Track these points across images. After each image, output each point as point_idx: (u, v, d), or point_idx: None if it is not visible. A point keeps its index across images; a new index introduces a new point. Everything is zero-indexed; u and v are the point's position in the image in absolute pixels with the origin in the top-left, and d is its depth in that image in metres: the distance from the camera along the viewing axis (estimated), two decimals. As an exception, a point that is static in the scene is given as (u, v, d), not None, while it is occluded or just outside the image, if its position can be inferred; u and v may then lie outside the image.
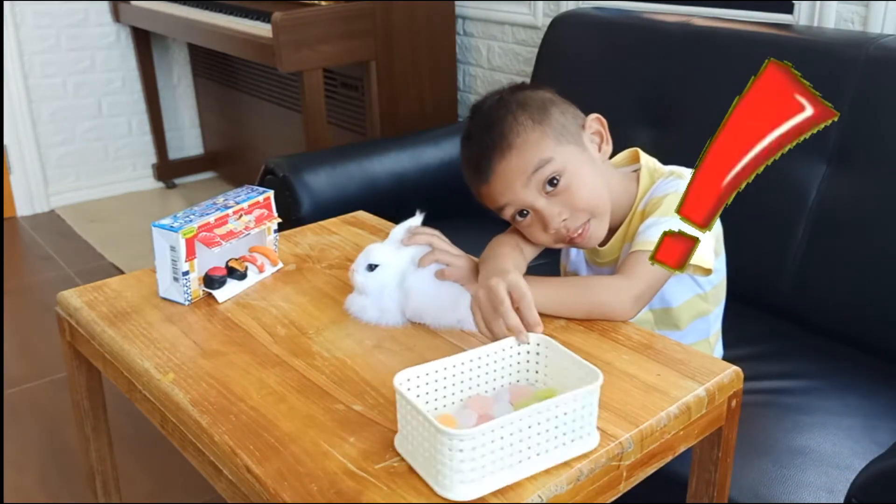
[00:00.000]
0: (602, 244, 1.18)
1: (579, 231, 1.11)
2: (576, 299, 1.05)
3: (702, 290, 1.21)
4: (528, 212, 1.11)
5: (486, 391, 0.89)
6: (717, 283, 1.24)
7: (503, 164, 1.09)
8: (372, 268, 1.05)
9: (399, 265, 1.06)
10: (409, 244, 1.08)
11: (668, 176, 1.16)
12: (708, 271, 1.09)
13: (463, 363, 0.86)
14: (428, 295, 1.04)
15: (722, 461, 0.98)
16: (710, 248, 1.11)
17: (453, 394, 0.87)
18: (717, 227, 1.19)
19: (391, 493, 0.75)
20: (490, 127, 1.11)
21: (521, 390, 0.88)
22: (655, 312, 1.23)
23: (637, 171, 1.20)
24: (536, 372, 0.91)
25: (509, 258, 1.10)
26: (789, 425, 1.20)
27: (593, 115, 1.14)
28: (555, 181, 1.08)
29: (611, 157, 1.20)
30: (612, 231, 1.17)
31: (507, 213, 1.13)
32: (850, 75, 1.45)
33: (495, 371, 0.89)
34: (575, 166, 1.09)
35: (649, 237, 1.05)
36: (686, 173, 1.14)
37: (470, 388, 0.88)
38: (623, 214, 1.16)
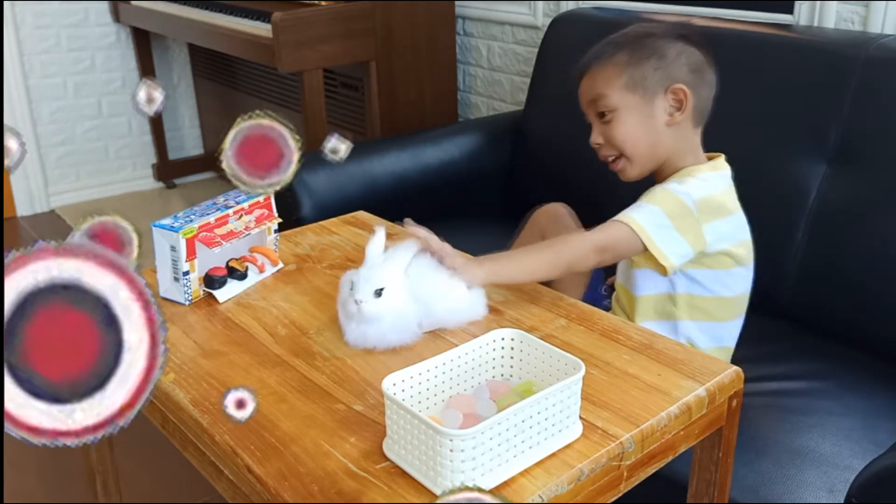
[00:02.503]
0: None
1: (611, 160, 1.27)
2: (549, 261, 1.14)
3: (672, 291, 1.23)
4: None
5: (465, 389, 0.89)
6: (701, 294, 1.24)
7: (586, 77, 1.27)
8: (379, 293, 0.98)
9: (398, 281, 1.00)
10: (411, 233, 1.07)
11: (681, 174, 1.24)
12: (664, 269, 1.15)
13: (444, 363, 0.87)
14: (446, 300, 1.04)
15: (722, 461, 0.98)
16: (682, 253, 1.16)
17: (435, 395, 0.87)
18: (727, 243, 1.22)
19: (392, 493, 0.75)
20: (606, 42, 1.27)
21: (500, 386, 0.89)
22: (625, 291, 1.30)
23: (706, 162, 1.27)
24: (511, 367, 0.91)
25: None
26: (789, 426, 1.20)
27: (680, 86, 1.21)
28: (603, 114, 1.24)
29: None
30: None
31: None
32: (850, 75, 1.45)
33: (472, 369, 0.90)
34: (626, 111, 1.22)
35: (626, 212, 1.17)
36: (698, 175, 1.23)
37: (450, 387, 0.88)
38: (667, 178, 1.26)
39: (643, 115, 1.22)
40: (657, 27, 1.28)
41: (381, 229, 1.04)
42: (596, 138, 1.26)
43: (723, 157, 1.28)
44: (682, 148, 1.25)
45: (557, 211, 1.53)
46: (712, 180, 1.23)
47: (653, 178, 1.27)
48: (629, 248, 1.16)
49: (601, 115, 1.24)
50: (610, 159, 1.26)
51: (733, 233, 1.23)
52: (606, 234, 1.15)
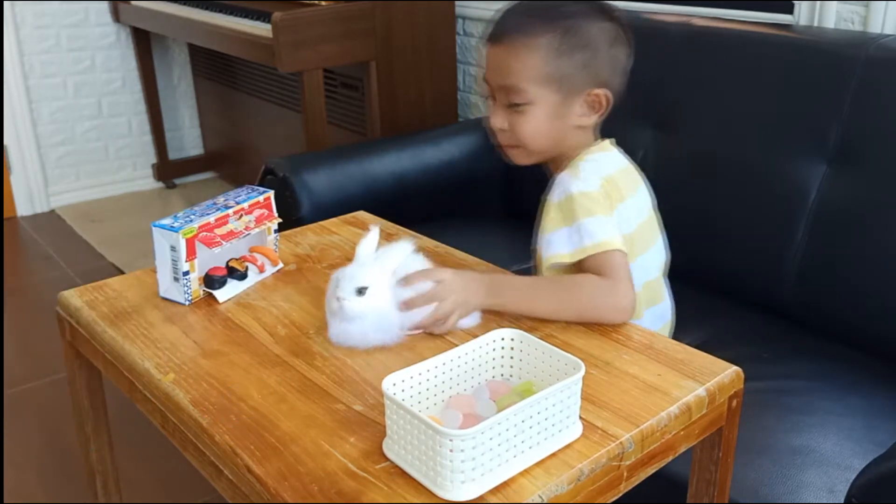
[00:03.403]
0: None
1: (507, 146, 1.17)
2: (563, 314, 1.06)
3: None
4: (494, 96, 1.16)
5: (464, 389, 0.89)
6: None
7: (499, 50, 1.12)
8: (362, 291, 0.97)
9: (384, 280, 0.99)
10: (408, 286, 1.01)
11: (570, 167, 1.14)
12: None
13: (444, 363, 0.87)
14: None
15: (722, 461, 0.98)
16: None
17: (435, 395, 0.87)
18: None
19: (392, 493, 0.75)
20: (528, 12, 1.11)
21: (499, 386, 0.89)
22: None
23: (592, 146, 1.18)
24: (511, 367, 0.91)
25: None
26: (790, 425, 1.20)
27: (604, 92, 1.12)
28: (515, 104, 1.12)
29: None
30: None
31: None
32: (850, 75, 1.45)
33: (472, 369, 0.90)
34: (539, 108, 1.11)
35: (588, 238, 1.06)
36: (587, 158, 1.14)
37: (450, 387, 0.88)
38: (562, 165, 1.17)
39: (556, 115, 1.12)
40: (581, 5, 1.12)
41: (375, 229, 1.04)
42: (499, 123, 1.14)
43: (609, 141, 1.20)
44: (583, 141, 1.17)
45: None
46: (601, 160, 1.15)
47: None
48: (626, 263, 1.07)
49: (512, 104, 1.12)
50: (507, 145, 1.16)
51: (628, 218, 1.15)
52: (615, 269, 1.04)
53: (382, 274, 0.99)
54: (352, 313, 0.97)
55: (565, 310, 1.05)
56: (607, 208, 1.09)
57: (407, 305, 1.00)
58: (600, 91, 1.12)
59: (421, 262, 1.06)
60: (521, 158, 1.18)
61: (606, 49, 1.11)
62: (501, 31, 1.12)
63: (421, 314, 1.00)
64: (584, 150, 1.16)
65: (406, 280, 1.00)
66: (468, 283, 1.04)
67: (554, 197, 1.11)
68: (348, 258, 1.24)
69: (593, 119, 1.14)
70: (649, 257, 1.20)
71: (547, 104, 1.11)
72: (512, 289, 1.07)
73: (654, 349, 0.99)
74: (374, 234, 1.03)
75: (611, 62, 1.12)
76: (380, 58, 2.41)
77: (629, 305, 1.04)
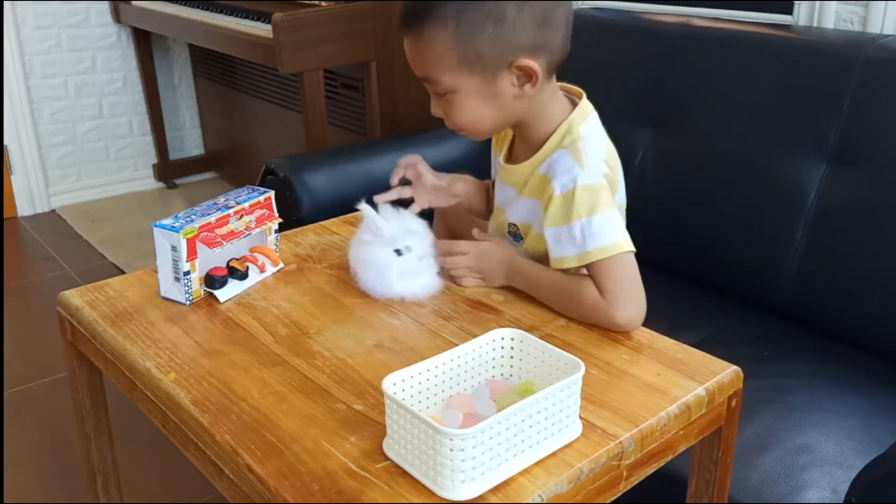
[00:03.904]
0: (512, 161, 1.18)
1: (455, 129, 1.12)
2: (560, 307, 1.09)
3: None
4: None
5: (464, 389, 0.89)
6: None
7: (408, 40, 1.07)
8: (400, 252, 1.09)
9: (423, 238, 1.12)
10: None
11: (567, 146, 1.09)
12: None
13: (444, 363, 0.87)
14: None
15: (722, 461, 0.98)
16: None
17: (435, 394, 0.87)
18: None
19: (392, 493, 0.75)
20: None
21: (499, 385, 0.89)
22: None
23: (571, 106, 1.13)
24: (511, 366, 0.91)
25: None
26: (790, 424, 1.21)
27: (527, 63, 1.02)
28: (441, 94, 1.08)
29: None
30: (529, 149, 1.14)
31: None
32: (850, 75, 1.45)
33: (472, 369, 0.90)
34: (465, 94, 1.05)
35: (594, 242, 1.03)
36: (582, 135, 1.09)
37: (450, 387, 0.88)
38: (541, 140, 1.12)
39: (486, 95, 1.05)
40: None
41: (363, 204, 1.15)
42: (437, 112, 1.11)
43: (584, 95, 1.14)
44: (538, 107, 1.09)
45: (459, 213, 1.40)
46: (594, 129, 1.11)
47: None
48: (634, 266, 1.05)
49: (438, 93, 1.08)
50: (453, 129, 1.12)
51: (622, 192, 1.15)
52: (615, 283, 1.02)
53: (408, 232, 1.11)
54: (418, 267, 1.11)
55: (565, 312, 1.08)
56: (610, 201, 1.05)
57: (445, 250, 1.13)
58: (526, 60, 1.02)
59: (395, 213, 1.16)
60: (477, 138, 1.14)
61: (516, 13, 1.00)
62: (403, 22, 1.06)
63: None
64: (562, 115, 1.11)
65: (451, 246, 1.15)
66: (490, 264, 1.15)
67: (557, 188, 1.06)
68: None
69: (533, 89, 1.05)
70: None
71: (471, 88, 1.04)
72: (521, 275, 1.13)
73: (654, 349, 0.99)
74: (382, 209, 1.15)
75: (527, 24, 1.01)
76: (380, 58, 2.41)
77: (632, 318, 1.02)
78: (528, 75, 1.04)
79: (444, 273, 1.15)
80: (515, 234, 1.21)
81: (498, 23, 1.00)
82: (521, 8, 1.00)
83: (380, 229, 1.11)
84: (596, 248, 1.03)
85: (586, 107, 1.13)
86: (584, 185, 1.04)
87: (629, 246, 1.04)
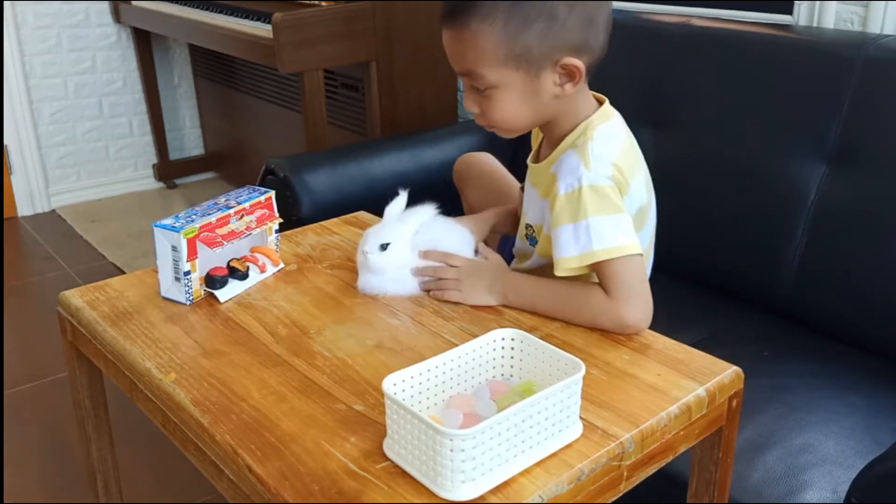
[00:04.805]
0: (539, 161, 1.18)
1: (486, 127, 1.12)
2: (566, 316, 1.06)
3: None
4: None
5: (465, 389, 0.89)
6: None
7: (452, 34, 1.05)
8: (384, 247, 1.10)
9: (406, 238, 1.12)
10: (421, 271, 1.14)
11: (578, 146, 1.09)
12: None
13: (444, 363, 0.87)
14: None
15: (722, 461, 0.98)
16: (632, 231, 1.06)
17: (436, 395, 0.87)
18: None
19: (392, 493, 0.75)
20: None
21: (500, 386, 0.89)
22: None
23: (594, 109, 1.14)
24: (511, 367, 0.91)
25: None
26: (791, 424, 1.20)
27: (572, 62, 1.04)
28: (481, 89, 1.07)
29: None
30: (551, 148, 1.15)
31: None
32: (850, 75, 1.45)
33: (473, 369, 0.90)
34: (505, 89, 1.05)
35: (596, 244, 1.03)
36: (595, 136, 1.08)
37: (451, 387, 0.88)
38: (562, 139, 1.13)
39: (527, 92, 1.06)
40: None
41: (403, 193, 1.14)
42: (471, 107, 1.10)
43: (606, 100, 1.15)
44: (571, 108, 1.11)
45: (481, 162, 1.44)
46: (613, 132, 1.11)
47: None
48: (641, 269, 1.05)
49: (478, 89, 1.07)
50: (485, 126, 1.12)
51: (639, 195, 1.13)
52: (623, 284, 1.02)
53: (405, 233, 1.12)
54: (374, 266, 1.11)
55: (569, 319, 1.06)
56: (619, 204, 1.05)
57: (419, 272, 1.13)
58: (571, 59, 1.03)
59: (443, 224, 1.17)
60: (508, 135, 1.13)
61: (567, 12, 1.01)
62: (448, 13, 1.04)
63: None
64: (585, 117, 1.11)
65: (427, 254, 1.14)
66: (476, 281, 1.12)
67: (562, 187, 1.06)
68: (349, 258, 1.25)
69: (573, 88, 1.07)
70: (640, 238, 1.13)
71: (513, 85, 1.05)
72: (517, 293, 1.10)
73: (654, 349, 0.99)
74: (402, 197, 1.13)
75: (576, 23, 1.02)
76: (380, 58, 2.41)
77: (639, 320, 1.01)
78: (570, 74, 1.05)
79: (426, 285, 1.13)
80: (531, 238, 1.21)
81: (550, 20, 1.01)
82: (572, 7, 1.01)
83: (386, 218, 1.14)
84: (602, 248, 1.02)
85: (608, 110, 1.14)
86: (590, 186, 1.04)
87: (637, 249, 1.03)
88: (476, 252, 1.19)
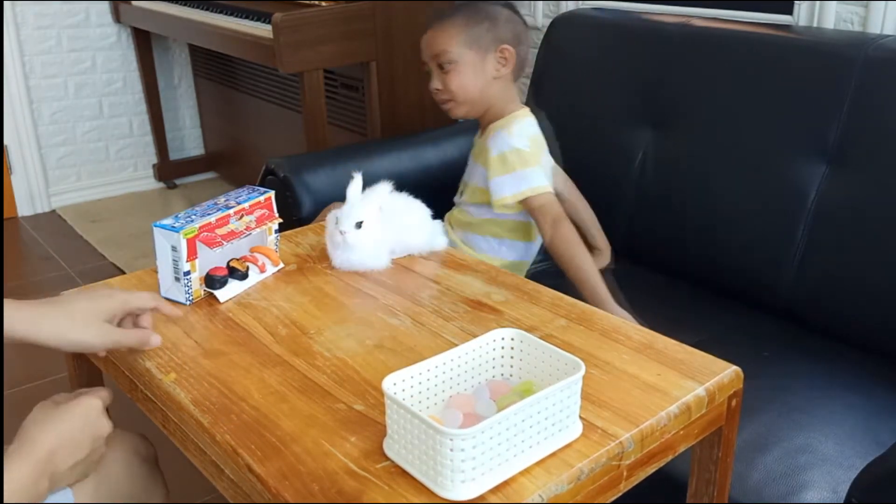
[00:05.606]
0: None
1: (445, 101, 1.59)
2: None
3: (499, 217, 1.59)
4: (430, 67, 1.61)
5: (465, 389, 0.89)
6: (515, 219, 1.60)
7: (430, 34, 1.60)
8: (359, 225, 1.17)
9: (374, 215, 1.20)
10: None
11: (503, 126, 1.56)
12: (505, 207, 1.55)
13: (444, 363, 0.87)
14: (412, 231, 1.26)
15: (722, 461, 0.98)
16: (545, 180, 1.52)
17: (435, 394, 0.87)
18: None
19: (392, 493, 0.75)
20: (450, 8, 1.60)
21: (500, 385, 0.89)
22: (464, 214, 1.65)
23: (518, 109, 1.61)
24: (511, 367, 0.92)
25: None
26: (791, 424, 1.21)
27: (507, 47, 1.55)
28: (443, 66, 1.56)
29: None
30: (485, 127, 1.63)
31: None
32: (850, 75, 1.45)
33: (472, 369, 0.90)
34: (463, 64, 1.55)
35: (525, 185, 1.50)
36: (518, 121, 1.57)
37: (451, 387, 0.88)
38: (493, 120, 1.60)
39: (476, 69, 1.55)
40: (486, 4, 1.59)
41: (358, 174, 1.21)
42: (436, 84, 1.58)
43: (528, 108, 1.62)
44: (505, 97, 1.59)
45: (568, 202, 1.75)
46: (528, 123, 1.57)
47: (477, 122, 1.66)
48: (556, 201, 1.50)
49: (441, 66, 1.55)
50: (444, 100, 1.59)
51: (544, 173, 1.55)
52: (552, 211, 1.48)
53: (373, 210, 1.20)
54: (353, 244, 1.18)
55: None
56: (537, 161, 1.52)
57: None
58: (506, 47, 1.55)
59: (402, 199, 1.26)
60: (456, 111, 1.59)
61: (504, 20, 1.57)
62: (433, 20, 1.59)
63: (409, 242, 1.26)
64: (511, 112, 1.58)
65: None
66: None
67: (493, 151, 1.53)
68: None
69: (505, 71, 1.57)
70: None
71: (468, 61, 1.55)
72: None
73: (654, 349, 0.99)
74: (358, 178, 1.21)
75: (509, 28, 1.56)
76: (380, 58, 2.41)
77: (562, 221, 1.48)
78: (505, 59, 1.56)
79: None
80: (462, 192, 1.68)
81: (493, 22, 1.57)
82: (507, 19, 1.58)
83: (351, 199, 1.20)
84: (529, 188, 1.50)
85: (528, 112, 1.61)
86: (515, 148, 1.51)
87: (550, 189, 1.51)
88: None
